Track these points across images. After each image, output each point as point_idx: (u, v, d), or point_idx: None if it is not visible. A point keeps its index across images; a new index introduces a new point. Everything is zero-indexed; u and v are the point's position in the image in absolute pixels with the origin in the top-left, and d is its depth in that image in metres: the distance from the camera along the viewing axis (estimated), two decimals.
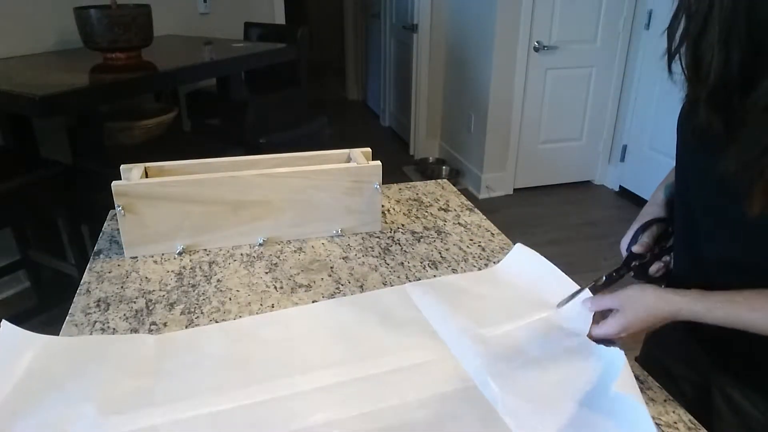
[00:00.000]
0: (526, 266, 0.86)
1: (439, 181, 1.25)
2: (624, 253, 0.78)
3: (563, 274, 0.81)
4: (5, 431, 0.58)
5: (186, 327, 0.75)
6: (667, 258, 0.77)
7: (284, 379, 0.65)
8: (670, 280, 0.77)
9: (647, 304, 0.66)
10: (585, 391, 0.62)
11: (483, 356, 0.68)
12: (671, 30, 0.62)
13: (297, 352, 0.70)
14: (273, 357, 0.69)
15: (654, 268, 0.77)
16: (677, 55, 0.61)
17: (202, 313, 0.78)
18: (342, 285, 0.84)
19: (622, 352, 0.63)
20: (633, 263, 0.76)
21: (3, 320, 0.71)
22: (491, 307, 0.78)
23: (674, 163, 0.76)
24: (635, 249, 0.76)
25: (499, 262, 0.89)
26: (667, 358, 0.82)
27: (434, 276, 0.87)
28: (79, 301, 0.80)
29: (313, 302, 0.80)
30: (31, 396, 0.62)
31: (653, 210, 0.80)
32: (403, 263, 0.90)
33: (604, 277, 0.74)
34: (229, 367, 0.67)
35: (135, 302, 0.80)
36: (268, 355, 0.69)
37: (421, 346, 0.71)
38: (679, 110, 0.73)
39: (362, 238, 0.98)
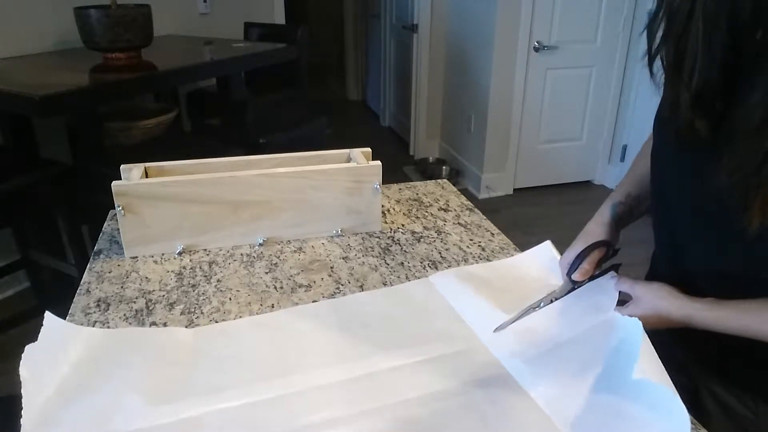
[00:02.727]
0: (548, 261, 0.86)
1: (439, 181, 1.25)
2: (563, 274, 0.77)
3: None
4: (57, 419, 0.60)
5: (186, 327, 0.75)
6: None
7: (321, 369, 0.67)
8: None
9: (659, 304, 0.66)
10: (612, 371, 0.63)
11: (512, 343, 0.68)
12: (651, 29, 0.61)
13: (330, 344, 0.71)
14: (307, 348, 0.70)
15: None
16: (658, 55, 0.60)
17: (202, 313, 0.78)
18: (342, 285, 0.84)
19: (640, 323, 0.63)
20: (572, 288, 0.75)
21: (47, 312, 0.72)
22: (516, 294, 0.78)
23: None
24: (575, 277, 0.75)
25: (514, 255, 0.90)
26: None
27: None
28: (79, 301, 0.80)
29: (313, 302, 0.80)
30: (80, 385, 0.64)
31: (597, 230, 0.79)
32: (403, 263, 0.90)
33: (541, 303, 0.73)
34: (265, 358, 0.69)
35: (135, 302, 0.80)
36: (302, 347, 0.71)
37: (449, 336, 0.72)
38: (657, 111, 0.72)
39: (362, 238, 0.98)
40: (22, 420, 0.59)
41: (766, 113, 0.50)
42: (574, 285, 0.75)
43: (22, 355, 0.65)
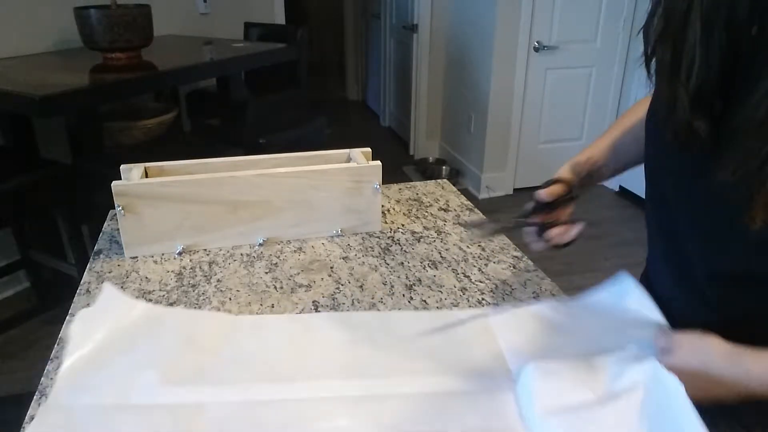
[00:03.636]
0: (625, 302, 0.74)
1: (439, 181, 1.25)
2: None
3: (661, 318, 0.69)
4: (84, 383, 0.64)
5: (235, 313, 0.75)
6: (571, 231, 0.74)
7: (336, 380, 0.65)
8: (654, 297, 0.73)
9: (706, 356, 0.57)
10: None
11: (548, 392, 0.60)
12: (648, 29, 0.60)
13: (356, 357, 0.69)
14: (333, 358, 0.69)
15: (556, 231, 0.74)
16: (655, 56, 0.60)
17: None
18: (342, 285, 0.84)
19: (681, 385, 0.54)
20: (534, 207, 0.76)
21: (106, 282, 0.79)
22: (592, 341, 0.70)
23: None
24: (539, 194, 0.75)
25: (588, 289, 0.79)
26: None
27: (434, 276, 0.87)
28: (79, 301, 0.80)
29: (313, 302, 0.80)
30: (106, 354, 0.68)
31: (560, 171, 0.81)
32: (403, 263, 0.90)
33: (512, 222, 0.76)
34: (286, 359, 0.68)
35: None
36: (330, 356, 0.69)
37: (483, 375, 0.66)
38: (647, 116, 0.71)
39: (362, 238, 0.98)
40: (56, 377, 0.65)
41: None
42: (536, 205, 0.76)
43: (75, 317, 0.74)
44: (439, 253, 0.94)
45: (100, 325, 0.72)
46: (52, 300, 2.17)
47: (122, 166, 0.92)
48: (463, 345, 0.71)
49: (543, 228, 0.75)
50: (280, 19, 3.17)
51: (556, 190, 0.76)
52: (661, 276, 0.75)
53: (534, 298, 0.82)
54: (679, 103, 0.58)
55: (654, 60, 0.61)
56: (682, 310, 0.71)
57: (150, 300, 0.80)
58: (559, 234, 0.74)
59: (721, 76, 0.55)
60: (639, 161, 0.77)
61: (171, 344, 0.70)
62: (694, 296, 0.65)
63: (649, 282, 0.78)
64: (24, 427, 0.58)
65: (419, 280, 0.86)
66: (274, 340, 0.72)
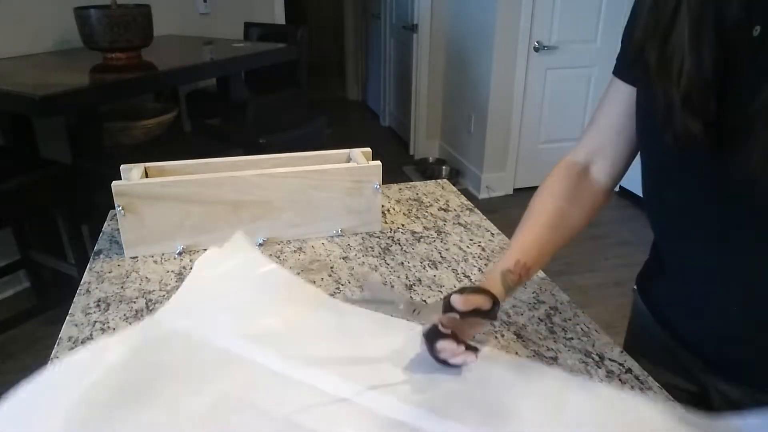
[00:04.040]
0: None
1: (439, 181, 1.25)
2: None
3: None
4: (179, 308, 0.75)
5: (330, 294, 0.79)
6: (463, 356, 0.63)
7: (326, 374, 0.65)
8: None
9: None
10: None
11: None
12: (633, 28, 0.60)
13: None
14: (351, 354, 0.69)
15: (447, 346, 0.62)
16: (642, 57, 0.59)
17: None
18: (342, 285, 0.84)
19: None
20: (445, 309, 0.62)
21: (238, 232, 0.84)
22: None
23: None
24: (456, 302, 0.61)
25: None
26: (656, 369, 0.74)
27: (434, 276, 0.87)
28: (79, 301, 0.80)
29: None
30: (210, 292, 0.77)
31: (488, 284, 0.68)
32: (403, 263, 0.90)
33: (414, 310, 0.65)
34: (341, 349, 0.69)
35: (135, 302, 0.80)
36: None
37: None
38: (637, 116, 0.69)
39: (362, 238, 0.98)
40: (169, 301, 0.77)
41: None
42: (445, 306, 0.62)
43: (202, 254, 0.84)
44: (439, 253, 0.94)
45: (219, 265, 0.81)
46: (52, 300, 2.17)
47: (122, 166, 0.92)
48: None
49: (437, 333, 0.63)
50: (280, 19, 3.17)
51: (475, 301, 0.63)
52: (683, 293, 0.71)
53: (534, 297, 0.82)
54: (673, 104, 0.57)
55: (640, 62, 0.60)
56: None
57: (150, 300, 0.80)
58: (449, 350, 0.63)
59: (714, 75, 0.55)
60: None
61: (266, 301, 0.77)
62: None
63: (656, 297, 0.77)
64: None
65: (419, 280, 0.86)
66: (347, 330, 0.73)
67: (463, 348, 0.62)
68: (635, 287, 0.85)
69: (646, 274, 0.82)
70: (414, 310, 0.65)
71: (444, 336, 0.62)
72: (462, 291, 0.63)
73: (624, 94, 0.71)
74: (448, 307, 0.62)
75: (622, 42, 0.71)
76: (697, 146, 0.58)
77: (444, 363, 0.64)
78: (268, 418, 0.58)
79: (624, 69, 0.71)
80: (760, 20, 0.53)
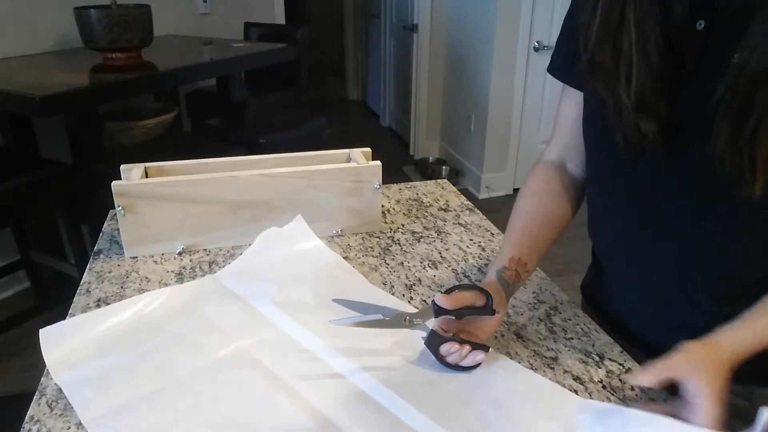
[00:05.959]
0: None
1: (439, 181, 1.25)
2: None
3: None
4: (235, 273, 0.84)
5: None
6: (471, 356, 0.63)
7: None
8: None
9: (706, 357, 0.55)
10: None
11: None
12: (586, 35, 0.60)
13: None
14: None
15: (451, 350, 0.62)
16: (593, 62, 0.59)
17: None
18: None
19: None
20: (434, 312, 0.63)
21: (299, 215, 0.91)
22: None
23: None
24: (439, 300, 0.61)
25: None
26: (644, 360, 0.75)
27: (434, 276, 0.87)
28: (79, 301, 0.80)
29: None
30: (264, 263, 0.86)
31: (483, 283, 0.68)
32: (403, 263, 0.90)
33: (406, 319, 0.64)
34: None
35: None
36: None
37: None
38: (584, 119, 0.69)
39: (362, 238, 0.98)
40: (229, 265, 0.87)
41: (753, 76, 0.49)
42: (436, 309, 0.62)
43: (265, 231, 0.90)
44: (439, 253, 0.94)
45: (277, 242, 0.89)
46: (52, 300, 2.17)
47: (122, 166, 0.92)
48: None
49: (437, 339, 0.62)
50: (280, 19, 3.17)
51: (462, 297, 0.62)
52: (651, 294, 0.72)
53: (534, 297, 0.82)
54: (624, 107, 0.58)
55: (591, 66, 0.61)
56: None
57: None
58: (453, 353, 0.62)
59: (664, 75, 0.55)
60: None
61: (309, 276, 0.84)
62: (689, 310, 0.64)
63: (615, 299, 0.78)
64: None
65: (419, 280, 0.86)
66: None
67: (468, 348, 0.62)
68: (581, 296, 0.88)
69: (587, 280, 0.84)
70: (405, 319, 0.65)
71: (445, 340, 0.62)
72: (450, 291, 0.63)
73: (575, 99, 0.74)
74: (439, 310, 0.62)
75: (557, 44, 0.72)
76: (649, 146, 0.59)
77: (456, 367, 0.64)
78: (273, 377, 0.64)
79: (570, 73, 0.72)
80: (702, 14, 0.53)
